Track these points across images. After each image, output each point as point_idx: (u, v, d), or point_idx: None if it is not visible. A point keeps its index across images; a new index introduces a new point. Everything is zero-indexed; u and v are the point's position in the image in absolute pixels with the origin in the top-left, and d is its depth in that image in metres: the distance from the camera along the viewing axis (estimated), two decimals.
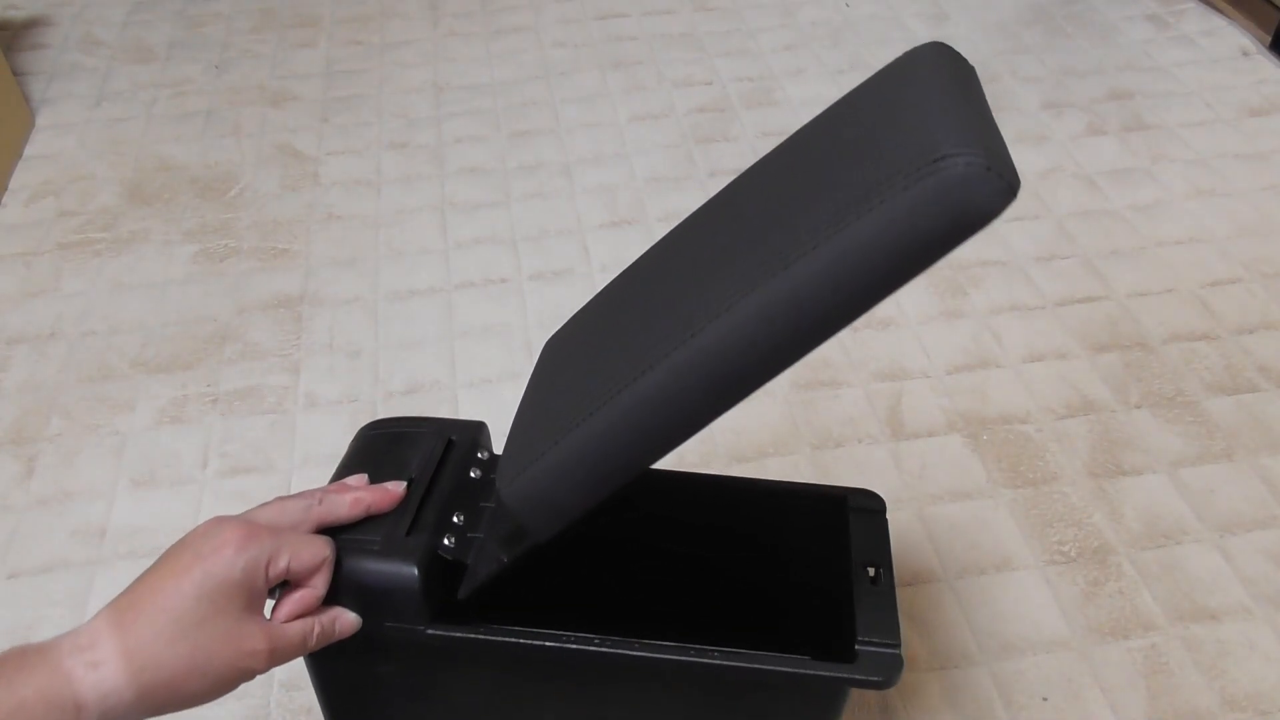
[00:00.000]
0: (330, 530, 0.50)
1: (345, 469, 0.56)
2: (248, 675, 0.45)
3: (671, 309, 0.46)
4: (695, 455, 0.95)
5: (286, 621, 0.47)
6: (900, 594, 0.83)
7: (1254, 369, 1.03)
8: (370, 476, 0.54)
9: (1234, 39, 1.51)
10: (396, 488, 0.53)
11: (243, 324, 1.09)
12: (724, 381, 0.45)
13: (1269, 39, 1.48)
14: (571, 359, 0.55)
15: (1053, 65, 1.47)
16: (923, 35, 1.54)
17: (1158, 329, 1.07)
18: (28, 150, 1.35)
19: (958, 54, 0.47)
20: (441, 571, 0.52)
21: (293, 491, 0.92)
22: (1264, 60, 1.47)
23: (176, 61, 1.52)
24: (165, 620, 0.42)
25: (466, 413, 0.99)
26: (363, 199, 1.26)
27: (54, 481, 0.94)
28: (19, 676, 0.39)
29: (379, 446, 0.57)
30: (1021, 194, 1.27)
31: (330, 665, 0.55)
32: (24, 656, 0.40)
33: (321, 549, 0.48)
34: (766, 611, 0.63)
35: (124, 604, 0.43)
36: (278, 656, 0.46)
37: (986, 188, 0.38)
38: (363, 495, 0.51)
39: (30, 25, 1.60)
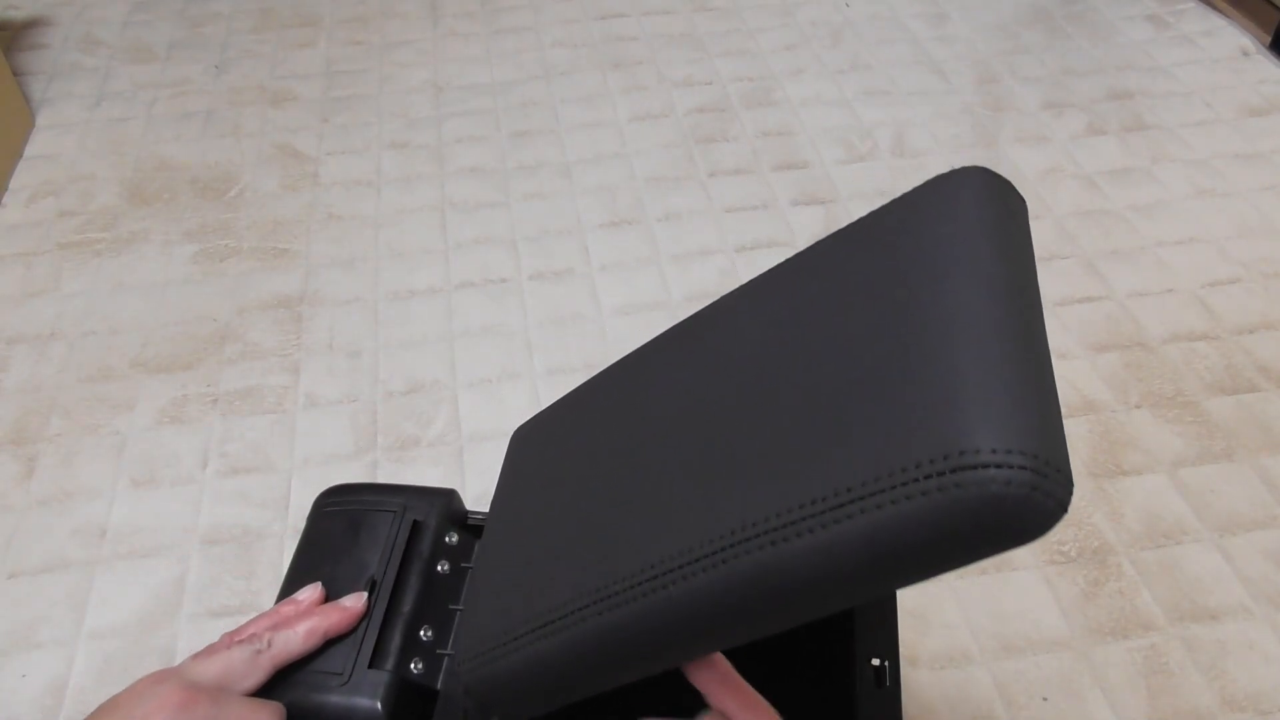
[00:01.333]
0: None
1: (303, 553, 0.51)
2: None
3: (650, 514, 0.39)
4: None
5: None
6: (900, 594, 0.84)
7: (1254, 369, 1.03)
8: (327, 576, 0.49)
9: (1234, 39, 1.51)
10: (356, 603, 0.47)
11: (243, 324, 1.09)
12: (699, 634, 0.37)
13: (1269, 39, 1.48)
14: (545, 502, 0.47)
15: (1053, 65, 1.47)
16: (923, 35, 1.54)
17: (1158, 329, 1.07)
18: (28, 150, 1.35)
19: (1008, 188, 0.38)
20: (410, 703, 0.47)
21: (295, 501, 0.92)
22: (1264, 60, 1.47)
23: (176, 61, 1.52)
24: None
25: (467, 412, 0.99)
26: (363, 199, 1.26)
27: (54, 481, 0.94)
28: None
29: (336, 534, 0.51)
30: (1021, 194, 1.27)
31: None
32: None
33: (265, 719, 0.42)
34: (762, 692, 0.60)
35: None
36: None
37: (1030, 509, 0.28)
38: (317, 624, 0.46)
39: (30, 25, 1.60)
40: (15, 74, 1.42)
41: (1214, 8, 1.58)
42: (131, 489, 0.93)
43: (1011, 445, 0.28)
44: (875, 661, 0.50)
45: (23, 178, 1.30)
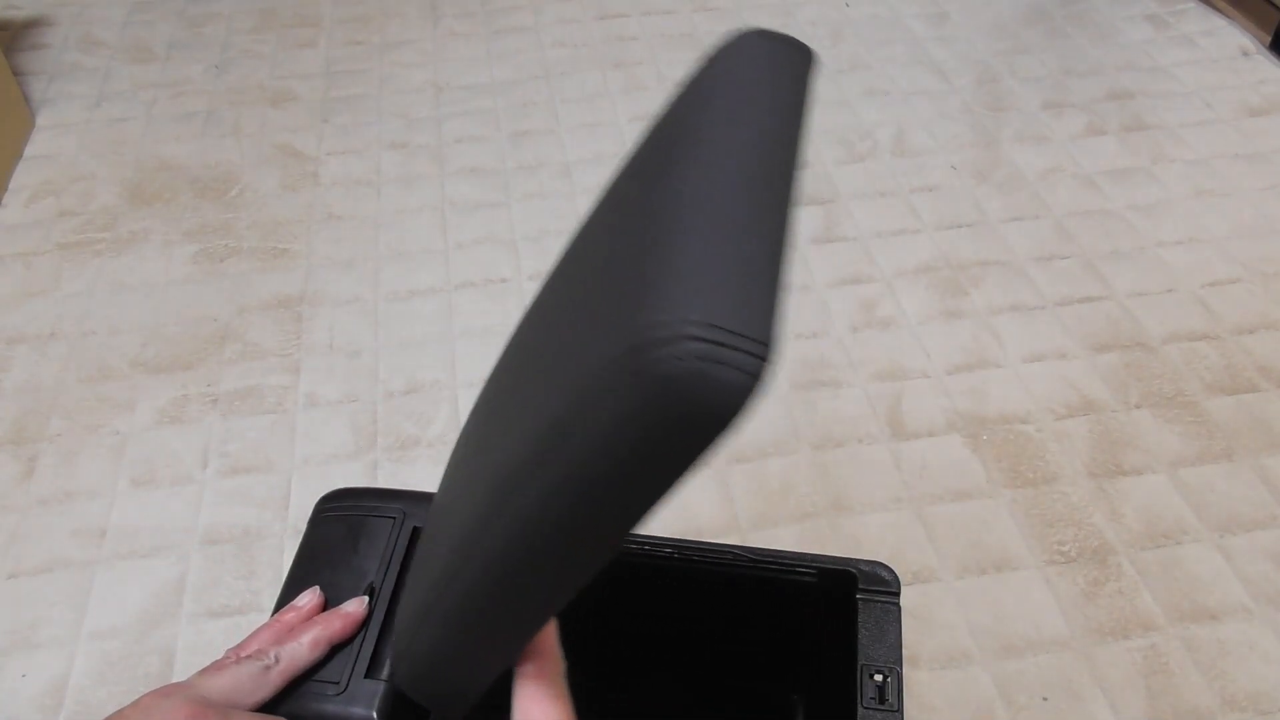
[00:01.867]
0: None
1: (304, 557, 0.51)
2: None
3: (481, 472, 0.36)
4: None
5: None
6: (901, 594, 0.84)
7: (1254, 369, 1.03)
8: (327, 582, 0.49)
9: (1234, 39, 1.51)
10: (358, 608, 0.47)
11: (243, 324, 1.09)
12: (509, 587, 0.35)
13: (1269, 39, 1.48)
14: (450, 483, 0.45)
15: (1053, 65, 1.47)
16: (923, 35, 1.54)
17: (1158, 329, 1.07)
18: (28, 150, 1.35)
19: (792, 46, 0.34)
20: (405, 712, 0.46)
21: (296, 501, 0.92)
22: (1264, 60, 1.47)
23: (176, 61, 1.52)
24: None
25: (467, 413, 0.99)
26: (363, 199, 1.26)
27: (54, 481, 0.94)
28: None
29: (336, 540, 0.51)
30: (1021, 194, 1.28)
31: None
32: None
33: None
34: (763, 708, 0.58)
35: None
36: None
37: (706, 385, 0.24)
38: (321, 634, 0.46)
39: (30, 25, 1.60)
40: (15, 74, 1.42)
41: (1214, 8, 1.58)
42: (131, 489, 0.93)
43: (685, 316, 0.24)
44: (878, 678, 0.49)
45: (23, 178, 1.30)
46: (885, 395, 1.01)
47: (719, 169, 0.28)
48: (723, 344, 0.23)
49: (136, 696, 0.41)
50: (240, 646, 0.45)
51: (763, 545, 0.81)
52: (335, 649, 0.46)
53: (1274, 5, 1.47)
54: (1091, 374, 1.02)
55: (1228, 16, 1.56)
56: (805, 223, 1.21)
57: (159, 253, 1.19)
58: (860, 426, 0.98)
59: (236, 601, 0.85)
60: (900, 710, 0.48)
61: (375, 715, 0.44)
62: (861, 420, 0.98)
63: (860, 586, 0.52)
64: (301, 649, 0.45)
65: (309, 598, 0.48)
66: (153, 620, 0.84)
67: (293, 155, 1.33)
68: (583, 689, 0.61)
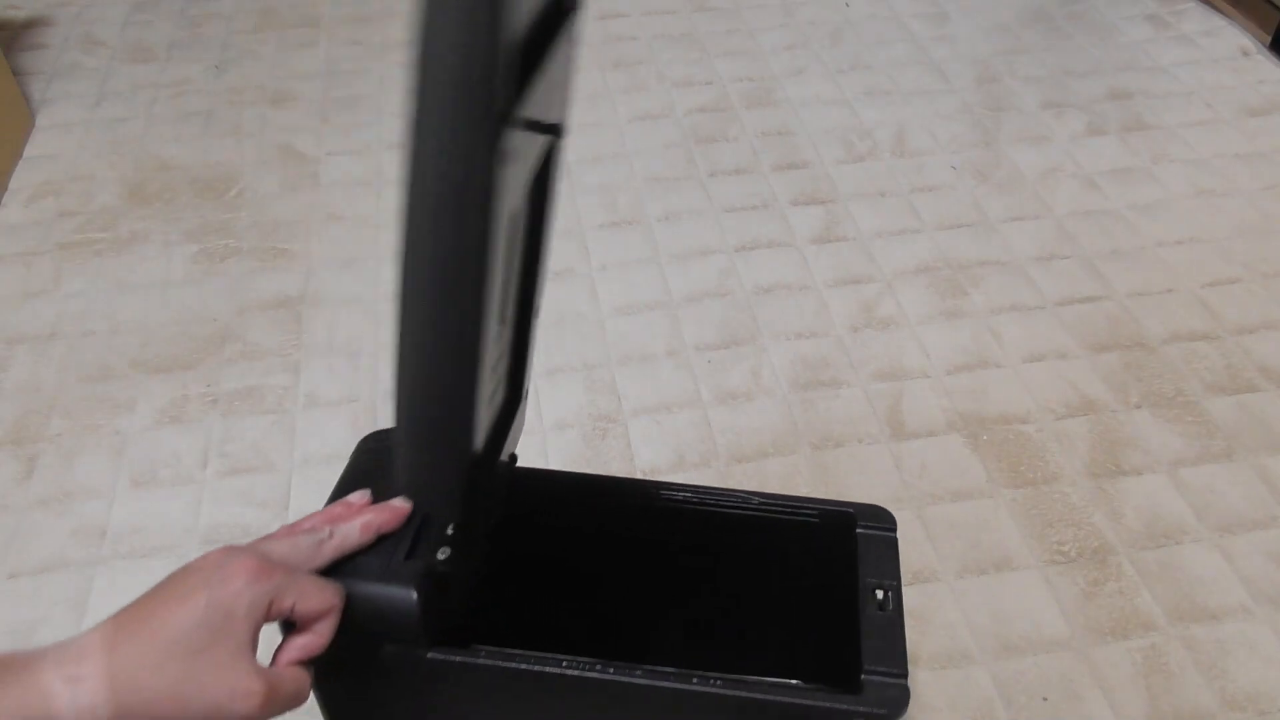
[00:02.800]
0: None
1: (346, 484, 0.56)
2: (234, 719, 0.42)
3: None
4: (695, 454, 0.95)
5: (286, 666, 0.45)
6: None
7: (1254, 369, 1.03)
8: (373, 494, 0.53)
9: (1234, 39, 1.51)
10: (403, 505, 0.52)
11: (243, 324, 1.09)
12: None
13: (1269, 39, 1.48)
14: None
15: (1053, 65, 1.47)
16: (923, 35, 1.54)
17: (1158, 329, 1.07)
18: (28, 150, 1.35)
19: None
20: (440, 592, 0.51)
21: (296, 500, 0.92)
22: (1264, 60, 1.47)
23: (176, 61, 1.52)
24: (158, 643, 0.40)
25: None
26: (363, 199, 1.26)
27: (54, 481, 0.94)
28: None
29: (379, 460, 0.56)
30: (1021, 194, 1.28)
31: (333, 685, 0.55)
32: (6, 668, 0.39)
33: (330, 596, 0.46)
34: (770, 632, 0.62)
35: (121, 620, 0.41)
36: (273, 703, 0.43)
37: None
38: (372, 519, 0.50)
39: (30, 25, 1.60)
40: (15, 74, 1.42)
41: (1214, 8, 1.58)
42: (131, 489, 0.93)
43: None
44: (879, 593, 0.54)
45: (23, 178, 1.30)
46: (885, 395, 1.01)
47: None
48: None
49: None
50: (293, 525, 0.49)
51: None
52: (381, 539, 0.50)
53: (1274, 5, 1.47)
54: (1091, 374, 1.02)
55: (1228, 16, 1.56)
56: (805, 223, 1.21)
57: (159, 253, 1.19)
58: (860, 426, 0.98)
59: None
60: (900, 615, 0.53)
61: (415, 592, 0.48)
62: (861, 420, 0.98)
63: (859, 523, 0.58)
64: (353, 530, 0.49)
65: (358, 496, 0.52)
66: None
67: (293, 155, 1.33)
68: (596, 624, 0.63)
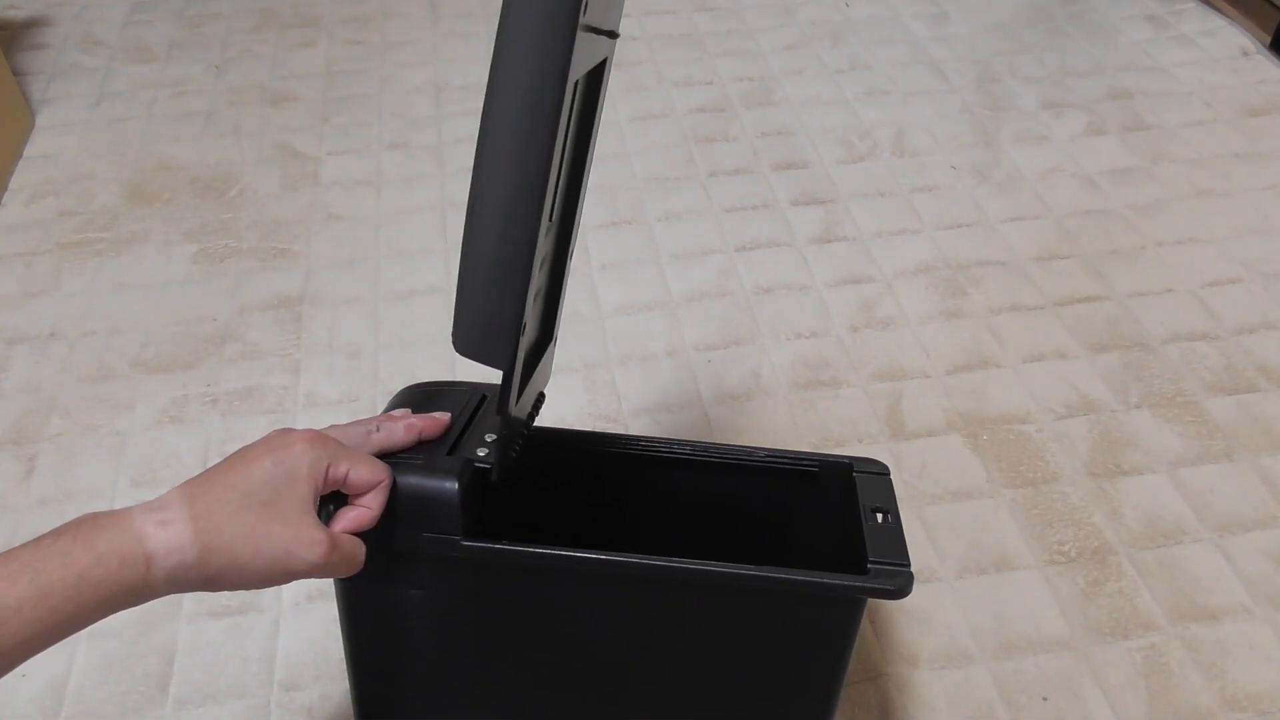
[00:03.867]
0: (383, 455, 0.54)
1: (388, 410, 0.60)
2: (301, 565, 0.46)
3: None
4: None
5: (342, 533, 0.50)
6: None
7: (1254, 369, 1.03)
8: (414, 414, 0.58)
9: (1234, 39, 1.51)
10: (444, 416, 0.57)
11: (243, 324, 1.09)
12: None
13: (1269, 39, 1.48)
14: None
15: (1053, 65, 1.47)
16: (923, 35, 1.54)
17: (1158, 329, 1.07)
18: (28, 150, 1.35)
19: None
20: (479, 487, 0.55)
21: None
22: (1264, 60, 1.47)
23: (176, 61, 1.52)
24: (233, 495, 0.45)
25: None
26: (363, 199, 1.26)
27: (54, 481, 0.94)
28: (94, 534, 0.45)
29: (419, 399, 0.61)
30: (1021, 194, 1.28)
31: (358, 587, 0.58)
32: (97, 519, 0.46)
33: (380, 471, 0.51)
34: (783, 550, 0.65)
35: (196, 481, 0.46)
36: (335, 556, 0.47)
37: None
38: (415, 421, 0.55)
39: (30, 25, 1.60)
40: (15, 74, 1.42)
41: (1214, 8, 1.58)
42: (131, 489, 0.93)
43: None
44: (878, 516, 0.58)
45: (23, 178, 1.30)
46: (885, 395, 1.01)
47: None
48: None
49: (136, 697, 0.44)
50: (340, 426, 0.53)
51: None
52: (422, 443, 0.55)
53: (1274, 5, 1.48)
54: (1091, 374, 1.02)
55: (1228, 16, 1.56)
56: (805, 223, 1.21)
57: (159, 253, 1.19)
58: (860, 426, 0.98)
59: (236, 602, 0.85)
60: (899, 527, 0.57)
61: (456, 483, 0.53)
62: (861, 420, 0.98)
63: (856, 469, 0.62)
64: (398, 428, 0.54)
65: (402, 412, 0.57)
66: (152, 620, 0.84)
67: (293, 155, 1.33)
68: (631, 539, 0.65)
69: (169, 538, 0.44)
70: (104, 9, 1.64)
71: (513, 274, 0.50)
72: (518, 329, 0.50)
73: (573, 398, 1.01)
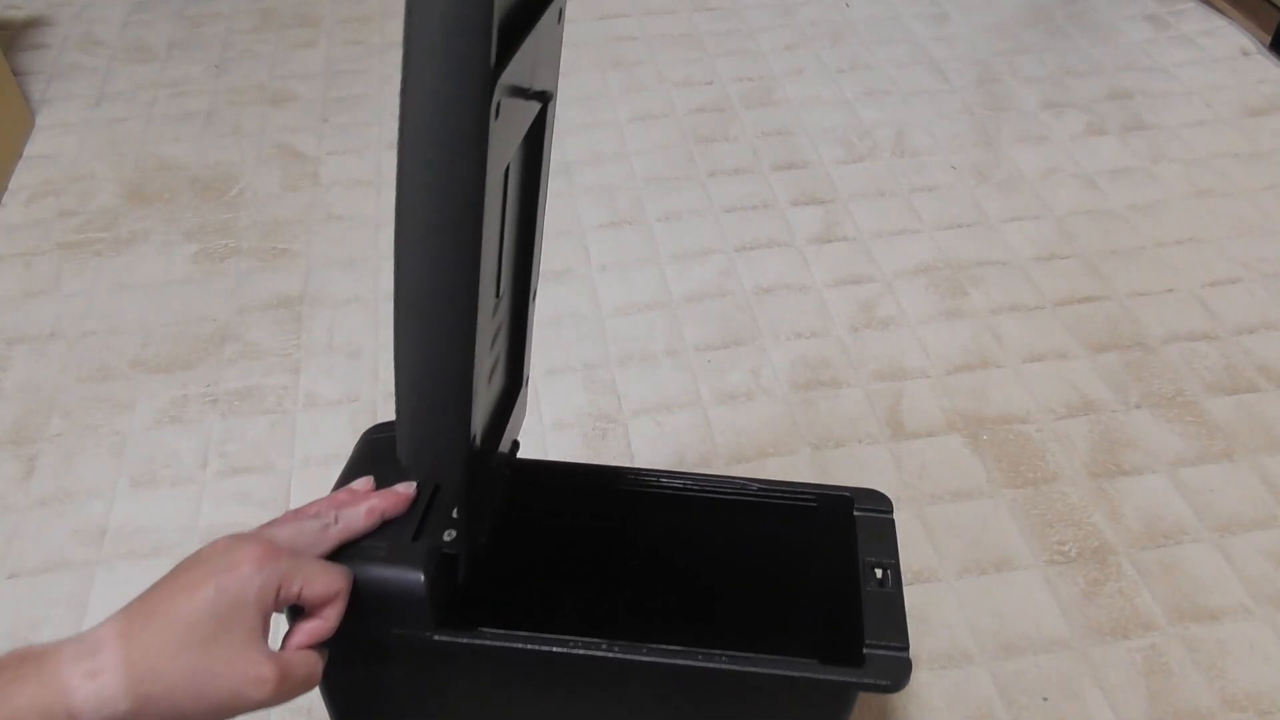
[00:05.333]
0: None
1: (350, 473, 0.56)
2: (249, 705, 0.42)
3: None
4: (695, 455, 0.95)
5: (296, 651, 0.46)
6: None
7: (1254, 369, 1.03)
8: (376, 480, 0.53)
9: (1234, 39, 1.51)
10: (407, 489, 0.52)
11: (243, 324, 1.09)
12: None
13: (1269, 39, 1.48)
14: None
15: (1053, 65, 1.47)
16: (923, 35, 1.54)
17: (1158, 329, 1.07)
18: (28, 150, 1.35)
19: None
20: (447, 574, 0.52)
21: (296, 500, 0.92)
22: (1264, 60, 1.47)
23: (176, 61, 1.52)
24: (172, 633, 0.41)
25: None
26: (363, 199, 1.26)
27: (54, 481, 0.94)
28: (15, 685, 0.38)
29: (383, 450, 0.56)
30: (1021, 194, 1.28)
31: (337, 671, 0.55)
32: (23, 663, 0.39)
33: (337, 580, 0.47)
34: (774, 612, 0.63)
35: (133, 612, 0.42)
36: (286, 688, 0.44)
37: None
38: (376, 504, 0.50)
39: (30, 25, 1.60)
40: (15, 74, 1.42)
41: (1214, 8, 1.58)
42: (131, 489, 0.93)
43: None
44: (878, 572, 0.55)
45: (23, 178, 1.30)
46: (885, 395, 1.01)
47: None
48: None
49: None
50: (298, 510, 0.49)
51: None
52: (386, 523, 0.51)
53: (1274, 5, 1.47)
54: (1091, 374, 1.02)
55: (1228, 16, 1.56)
56: (805, 223, 1.21)
57: (159, 253, 1.19)
58: (860, 426, 0.98)
59: None
60: (900, 592, 0.54)
61: (422, 573, 0.49)
62: (861, 420, 0.98)
63: (857, 506, 0.58)
64: (358, 515, 0.49)
65: (363, 483, 0.53)
66: None
67: (293, 155, 1.33)
68: (599, 612, 0.63)
69: (98, 691, 0.39)
70: (104, 9, 1.64)
71: (453, 389, 0.45)
72: (467, 446, 0.46)
73: (573, 398, 1.01)
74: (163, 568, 0.91)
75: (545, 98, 0.49)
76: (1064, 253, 1.17)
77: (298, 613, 0.47)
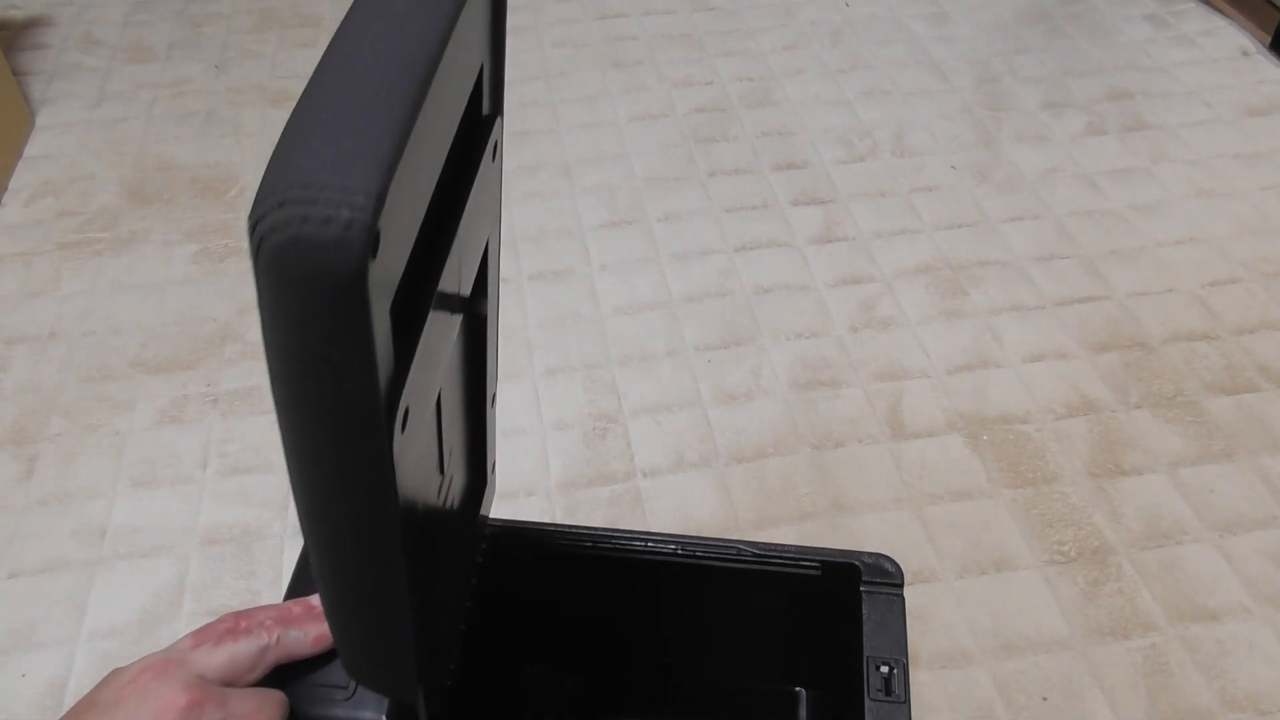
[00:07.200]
0: (291, 667, 0.45)
1: (304, 579, 0.50)
2: None
3: None
4: (695, 454, 0.95)
5: None
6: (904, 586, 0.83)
7: (1254, 369, 1.03)
8: None
9: (1234, 39, 1.51)
10: None
11: (243, 324, 1.09)
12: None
13: (1269, 39, 1.48)
14: None
15: (1053, 65, 1.47)
16: (923, 35, 1.54)
17: (1158, 329, 1.07)
18: (28, 150, 1.35)
19: None
20: (409, 714, 0.46)
21: (294, 513, 0.92)
22: (1264, 60, 1.47)
23: (176, 61, 1.52)
24: None
25: None
26: None
27: (54, 481, 0.94)
28: None
29: None
30: (1021, 194, 1.27)
31: None
32: None
33: (270, 714, 0.42)
34: (763, 703, 0.58)
35: None
36: None
37: (301, 244, 0.23)
38: (326, 632, 0.44)
39: (30, 25, 1.60)
40: (15, 74, 1.42)
41: (1214, 8, 1.58)
42: (131, 489, 0.93)
43: (280, 183, 0.24)
44: (883, 669, 0.49)
45: (23, 178, 1.30)
46: (885, 395, 1.01)
47: (350, 53, 0.29)
48: (315, 200, 0.23)
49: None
50: (243, 615, 0.44)
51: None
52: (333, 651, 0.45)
53: (1274, 5, 1.47)
54: (1091, 374, 1.02)
55: (1228, 16, 1.56)
56: (805, 223, 1.21)
57: (159, 253, 1.19)
58: (860, 426, 0.98)
59: (236, 601, 0.85)
60: (907, 701, 0.48)
61: (384, 718, 0.44)
62: (861, 420, 0.98)
63: (864, 579, 0.52)
64: (305, 640, 0.44)
65: (316, 602, 0.46)
66: (153, 620, 0.84)
67: None
68: (585, 686, 0.61)
69: None
70: (104, 9, 1.64)
71: (388, 609, 0.37)
72: (417, 659, 0.40)
73: (572, 398, 1.01)
74: (163, 567, 0.91)
75: (468, 305, 0.40)
76: (1064, 253, 1.17)
77: None
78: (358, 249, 0.23)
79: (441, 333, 0.35)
